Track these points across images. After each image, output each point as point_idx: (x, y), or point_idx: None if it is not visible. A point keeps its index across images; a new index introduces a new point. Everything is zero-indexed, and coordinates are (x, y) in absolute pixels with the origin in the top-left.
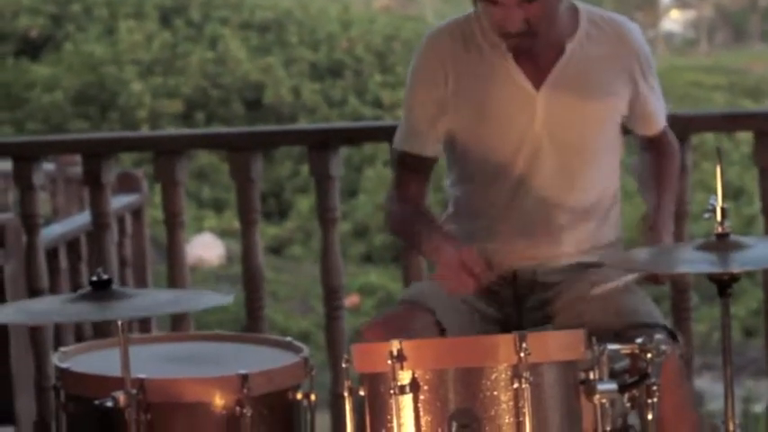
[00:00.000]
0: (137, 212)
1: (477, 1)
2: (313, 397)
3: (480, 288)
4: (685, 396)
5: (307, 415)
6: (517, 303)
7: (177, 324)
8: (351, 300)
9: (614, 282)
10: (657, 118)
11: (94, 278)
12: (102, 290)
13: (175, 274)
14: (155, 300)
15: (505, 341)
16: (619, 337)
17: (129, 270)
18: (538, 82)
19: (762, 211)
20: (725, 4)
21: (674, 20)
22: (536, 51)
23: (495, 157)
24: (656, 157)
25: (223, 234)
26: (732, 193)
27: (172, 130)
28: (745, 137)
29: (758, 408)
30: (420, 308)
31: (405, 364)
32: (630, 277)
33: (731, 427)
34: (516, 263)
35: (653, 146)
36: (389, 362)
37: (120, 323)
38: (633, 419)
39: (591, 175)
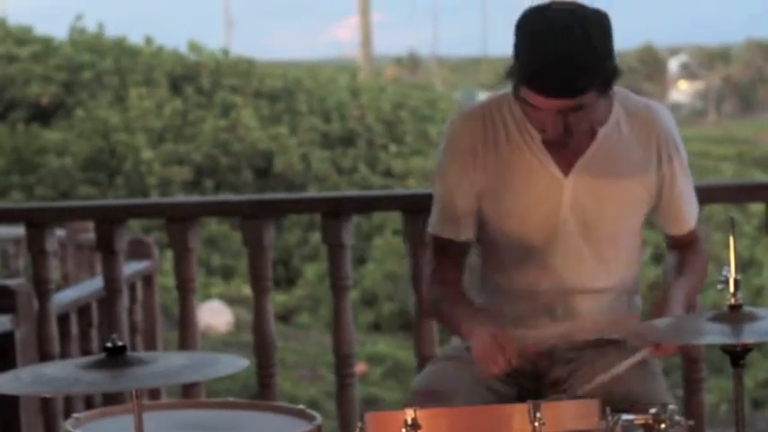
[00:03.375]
0: (147, 279)
1: (516, 96)
2: None
3: (508, 368)
4: None
5: None
6: (536, 379)
7: (188, 389)
8: (359, 368)
9: (611, 371)
10: (686, 216)
11: (109, 344)
12: (116, 356)
13: (187, 339)
14: (169, 365)
15: (520, 410)
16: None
17: (140, 336)
18: (567, 168)
19: None
20: (733, 74)
21: (682, 90)
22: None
23: (519, 239)
24: (682, 252)
25: (231, 301)
26: (741, 265)
27: (185, 197)
28: (756, 209)
29: None
30: (437, 396)
31: None
32: (627, 364)
33: None
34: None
35: (681, 245)
36: (404, 431)
37: (134, 391)
38: None
39: (613, 260)
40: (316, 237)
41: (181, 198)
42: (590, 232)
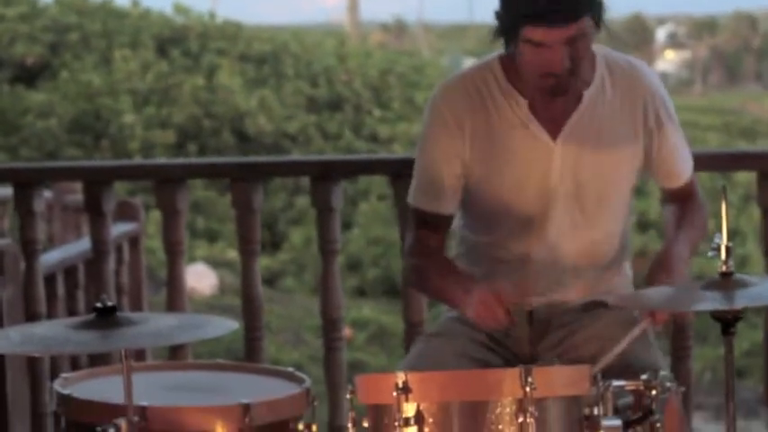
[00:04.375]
0: (134, 241)
1: (513, 42)
2: (315, 428)
3: (508, 322)
4: None
5: None
6: (532, 343)
7: (175, 351)
8: (345, 332)
9: (615, 350)
10: (680, 168)
11: (99, 305)
12: (106, 317)
13: (175, 301)
14: (159, 326)
15: (511, 375)
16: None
17: (126, 298)
18: (554, 132)
19: (763, 252)
20: (719, 44)
21: (668, 60)
22: (554, 100)
23: (509, 206)
24: (680, 207)
25: (216, 264)
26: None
27: (173, 159)
28: (742, 179)
29: None
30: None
31: (410, 396)
32: (628, 340)
33: None
34: (528, 304)
35: (679, 198)
36: (394, 394)
37: (123, 351)
38: None
39: (604, 223)
40: (301, 201)
41: (169, 160)
42: (582, 196)
